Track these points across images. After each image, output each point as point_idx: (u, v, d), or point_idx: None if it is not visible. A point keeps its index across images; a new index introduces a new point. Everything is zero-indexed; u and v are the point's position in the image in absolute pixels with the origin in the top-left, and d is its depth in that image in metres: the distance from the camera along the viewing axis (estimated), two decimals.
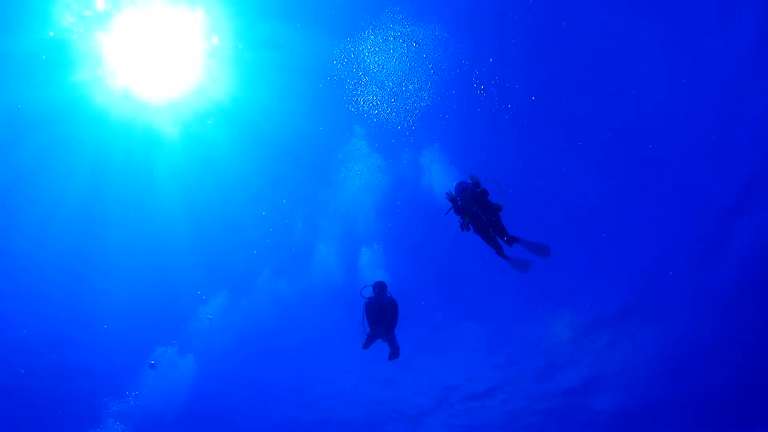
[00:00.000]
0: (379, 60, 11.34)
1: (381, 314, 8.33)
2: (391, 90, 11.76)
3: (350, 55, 11.49)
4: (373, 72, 11.51)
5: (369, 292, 8.43)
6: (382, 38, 11.10)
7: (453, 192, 7.69)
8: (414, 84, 11.66)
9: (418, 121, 12.30)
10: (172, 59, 11.67)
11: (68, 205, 13.79)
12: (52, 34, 10.47)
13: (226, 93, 12.36)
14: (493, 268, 15.17)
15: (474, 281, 16.22)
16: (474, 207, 7.59)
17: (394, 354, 8.81)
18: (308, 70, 12.45)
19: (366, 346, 8.48)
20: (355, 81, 11.81)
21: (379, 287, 8.39)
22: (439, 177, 13.14)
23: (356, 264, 15.23)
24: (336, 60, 11.87)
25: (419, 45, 11.20)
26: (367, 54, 11.28)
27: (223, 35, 11.36)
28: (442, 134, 12.73)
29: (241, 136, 13.35)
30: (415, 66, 11.46)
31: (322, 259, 15.41)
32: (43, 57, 10.94)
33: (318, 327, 16.45)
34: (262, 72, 12.21)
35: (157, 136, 12.88)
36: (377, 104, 12.02)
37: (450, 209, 7.78)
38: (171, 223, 14.67)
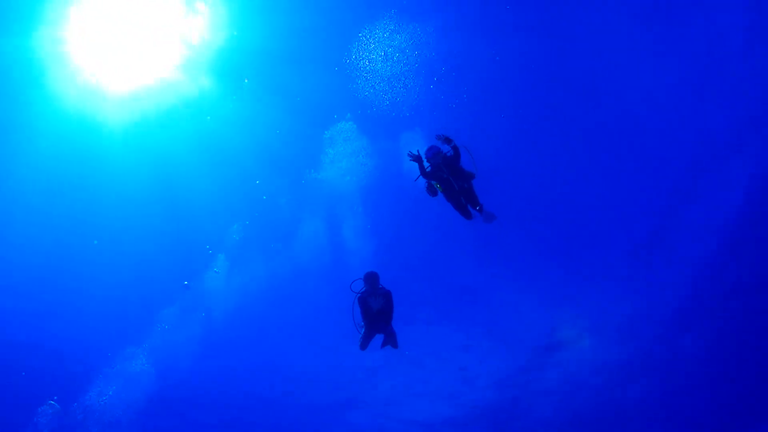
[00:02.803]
0: (369, 50, 11.60)
1: (376, 309, 7.47)
2: (379, 77, 12.05)
3: (342, 43, 11.79)
4: (364, 60, 11.78)
5: (360, 286, 7.43)
6: (373, 28, 11.35)
7: (423, 156, 7.07)
8: (401, 72, 11.98)
9: (403, 108, 12.68)
10: (162, 35, 11.87)
11: (63, 200, 14.36)
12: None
13: (214, 74, 12.74)
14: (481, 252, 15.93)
15: (459, 265, 16.77)
16: (445, 173, 7.09)
17: (393, 342, 7.79)
18: (298, 54, 12.82)
19: (363, 346, 7.66)
20: (344, 67, 12.11)
21: (371, 279, 7.36)
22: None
23: (342, 243, 15.82)
24: (327, 46, 12.28)
25: (410, 39, 11.47)
26: (358, 44, 11.53)
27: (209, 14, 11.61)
28: (424, 119, 13.13)
29: (230, 120, 13.74)
30: (403, 58, 11.78)
31: (308, 236, 15.95)
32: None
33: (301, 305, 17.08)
34: (251, 53, 12.55)
35: (151, 117, 13.26)
36: (366, 90, 12.31)
37: (418, 176, 7.21)
38: (168, 201, 15.13)
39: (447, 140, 6.93)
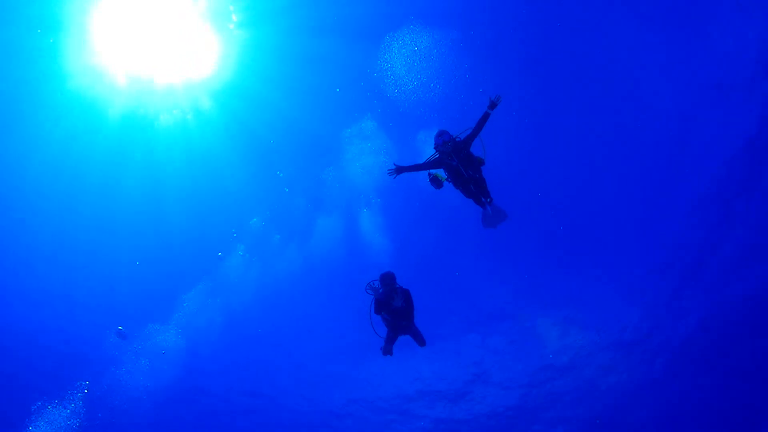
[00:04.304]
0: (392, 51, 11.86)
1: (396, 311, 7.09)
2: (399, 77, 12.32)
3: (365, 44, 12.11)
4: (386, 61, 12.04)
5: (376, 288, 7.05)
6: (398, 31, 11.63)
7: (434, 143, 6.66)
8: (422, 73, 12.24)
9: (423, 107, 12.93)
10: (185, 37, 12.29)
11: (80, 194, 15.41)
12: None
13: (237, 71, 13.18)
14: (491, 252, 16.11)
15: (474, 264, 16.97)
16: (454, 161, 6.65)
17: (420, 341, 7.69)
18: (321, 53, 13.21)
19: (387, 351, 7.36)
20: (367, 67, 12.43)
21: (388, 280, 6.90)
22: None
23: (359, 239, 16.20)
24: (350, 47, 12.64)
25: (433, 42, 11.73)
26: (382, 45, 11.78)
27: (233, 14, 12.05)
28: (442, 119, 13.40)
29: (255, 116, 14.23)
30: (425, 60, 12.07)
31: (325, 231, 16.37)
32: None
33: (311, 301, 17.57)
34: (274, 52, 12.99)
35: (180, 117, 13.93)
36: (386, 90, 12.58)
37: (432, 178, 6.84)
38: (195, 193, 15.85)
39: (494, 105, 6.31)
